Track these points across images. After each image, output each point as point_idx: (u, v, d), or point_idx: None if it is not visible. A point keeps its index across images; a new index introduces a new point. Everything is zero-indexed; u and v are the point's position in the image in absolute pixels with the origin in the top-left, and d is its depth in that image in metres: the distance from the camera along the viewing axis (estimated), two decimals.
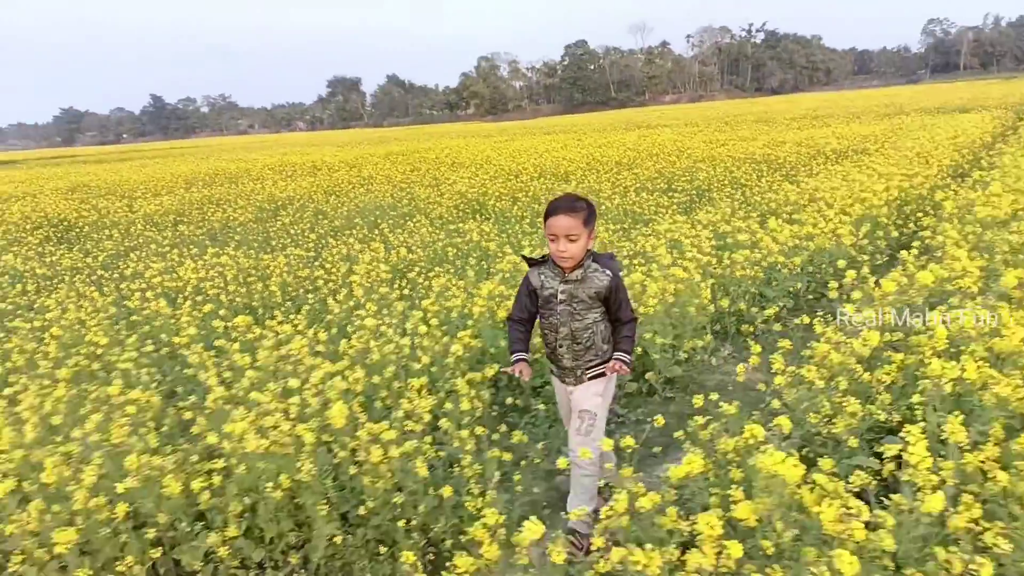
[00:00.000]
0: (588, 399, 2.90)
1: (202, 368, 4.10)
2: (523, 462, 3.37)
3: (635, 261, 5.54)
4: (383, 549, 2.77)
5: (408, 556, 2.27)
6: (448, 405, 3.17)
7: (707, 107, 60.76)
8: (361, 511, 2.75)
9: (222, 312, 5.38)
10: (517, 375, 2.88)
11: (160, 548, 2.71)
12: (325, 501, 2.70)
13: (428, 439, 3.00)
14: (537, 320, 3.04)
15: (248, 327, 4.84)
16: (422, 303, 4.97)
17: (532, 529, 2.00)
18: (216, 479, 2.75)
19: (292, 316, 5.17)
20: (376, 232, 8.81)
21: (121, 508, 2.57)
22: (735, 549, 1.86)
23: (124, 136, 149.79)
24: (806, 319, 4.11)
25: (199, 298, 5.81)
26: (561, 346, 2.88)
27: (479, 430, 2.99)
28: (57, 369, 4.09)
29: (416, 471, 2.71)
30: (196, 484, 2.67)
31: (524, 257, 3.03)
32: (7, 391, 3.64)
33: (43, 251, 9.24)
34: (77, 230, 10.87)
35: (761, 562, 1.96)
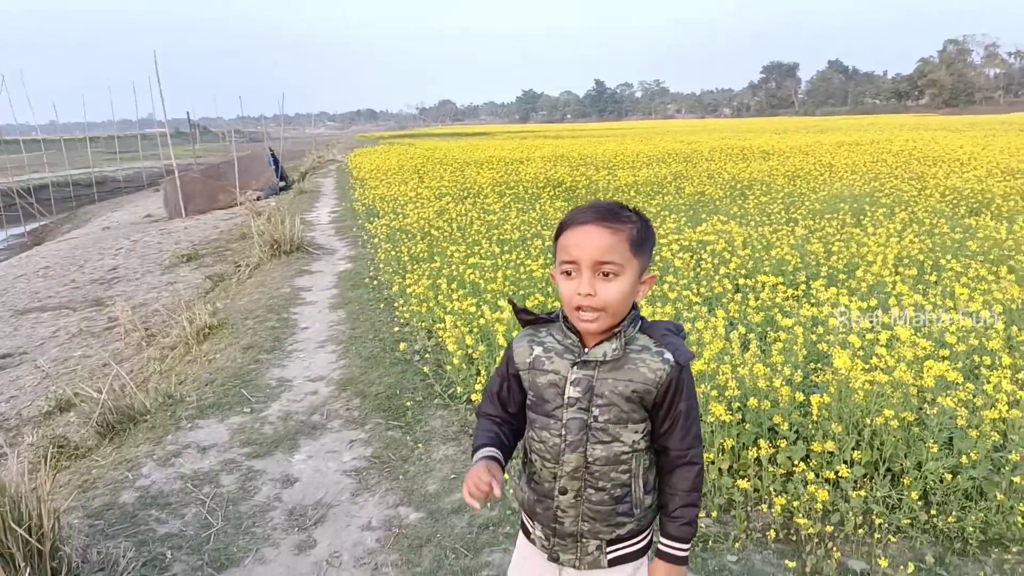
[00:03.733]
0: None
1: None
2: None
3: None
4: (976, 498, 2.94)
5: None
6: None
7: None
8: (963, 460, 2.95)
9: (743, 272, 6.01)
10: (472, 495, 1.48)
11: (769, 443, 3.30)
12: (934, 442, 2.97)
13: None
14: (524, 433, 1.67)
15: (774, 285, 5.37)
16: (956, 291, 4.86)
17: None
18: (826, 398, 3.23)
19: (811, 284, 5.52)
20: (862, 218, 8.65)
21: (753, 403, 3.22)
22: None
23: (568, 116, 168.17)
24: None
25: (714, 260, 6.54)
26: (562, 492, 1.56)
27: None
28: None
29: None
30: (815, 399, 3.18)
31: (515, 306, 1.62)
32: None
33: (555, 207, 11.20)
34: (575, 191, 12.86)
35: None
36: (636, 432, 1.51)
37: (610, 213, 1.46)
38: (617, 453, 1.51)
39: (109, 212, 25.02)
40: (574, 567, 1.60)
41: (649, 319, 1.59)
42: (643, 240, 1.47)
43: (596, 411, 1.50)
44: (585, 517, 1.55)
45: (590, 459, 1.51)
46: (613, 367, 1.49)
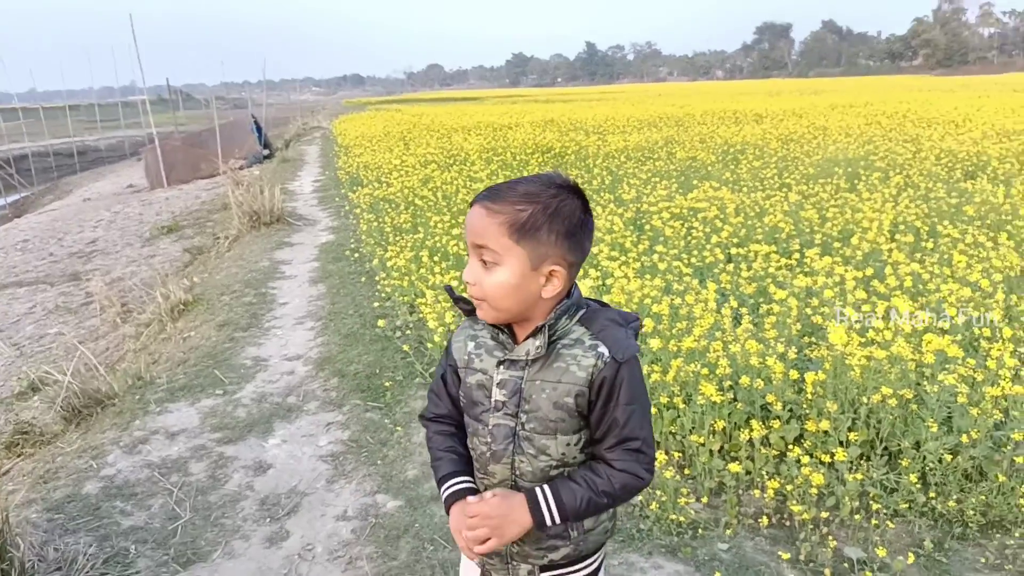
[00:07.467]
0: None
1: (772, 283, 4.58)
2: None
3: None
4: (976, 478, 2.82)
5: None
6: None
7: None
8: (963, 439, 2.81)
9: (735, 240, 5.83)
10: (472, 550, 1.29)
11: (762, 424, 3.16)
12: (933, 420, 2.83)
13: None
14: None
15: (767, 255, 5.21)
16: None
17: None
18: (820, 375, 3.08)
19: (805, 251, 5.35)
20: (856, 183, 8.48)
21: (745, 381, 3.07)
22: None
23: (559, 80, 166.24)
24: None
25: (706, 228, 6.35)
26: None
27: None
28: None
29: None
30: (809, 376, 3.03)
31: (453, 295, 1.36)
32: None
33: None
34: (564, 157, 12.59)
35: None
36: (568, 444, 1.30)
37: (500, 192, 1.24)
38: (544, 468, 1.30)
39: (91, 183, 24.56)
40: None
41: (606, 302, 1.38)
42: (535, 226, 1.20)
43: (524, 417, 1.30)
44: None
45: (517, 472, 1.32)
46: (542, 366, 1.27)
